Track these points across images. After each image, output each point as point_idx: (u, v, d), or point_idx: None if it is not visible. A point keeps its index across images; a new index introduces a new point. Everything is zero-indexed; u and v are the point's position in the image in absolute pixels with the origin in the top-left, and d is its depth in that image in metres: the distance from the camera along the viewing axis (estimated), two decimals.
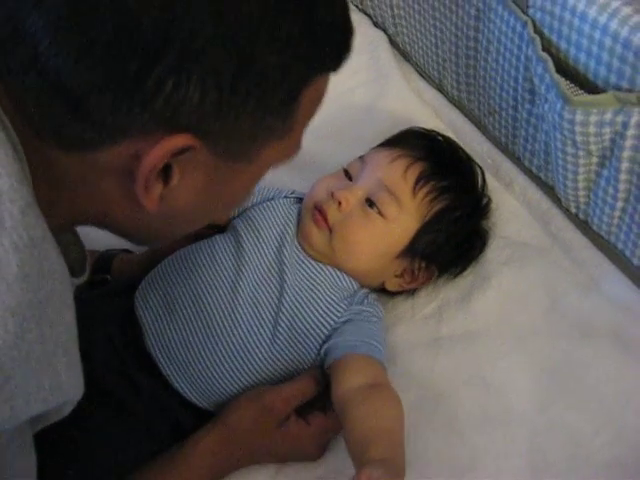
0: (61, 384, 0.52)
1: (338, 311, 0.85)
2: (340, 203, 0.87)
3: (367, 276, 0.90)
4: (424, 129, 0.98)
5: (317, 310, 0.85)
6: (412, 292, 0.95)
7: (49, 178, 0.53)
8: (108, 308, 0.87)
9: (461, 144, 0.99)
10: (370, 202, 0.87)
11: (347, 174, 0.92)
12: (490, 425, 0.81)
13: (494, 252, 0.95)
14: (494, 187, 0.99)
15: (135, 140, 0.51)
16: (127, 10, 0.47)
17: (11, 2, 0.50)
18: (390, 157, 0.90)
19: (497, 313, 0.90)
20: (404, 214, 0.88)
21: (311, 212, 0.89)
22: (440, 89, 1.11)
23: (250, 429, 0.80)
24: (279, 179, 1.05)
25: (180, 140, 0.51)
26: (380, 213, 0.87)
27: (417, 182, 0.88)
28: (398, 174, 0.89)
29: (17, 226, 0.48)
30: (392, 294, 0.94)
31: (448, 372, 0.87)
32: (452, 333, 0.90)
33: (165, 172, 0.53)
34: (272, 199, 0.96)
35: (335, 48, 0.57)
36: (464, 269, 0.94)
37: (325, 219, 0.87)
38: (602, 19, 0.68)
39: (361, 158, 0.93)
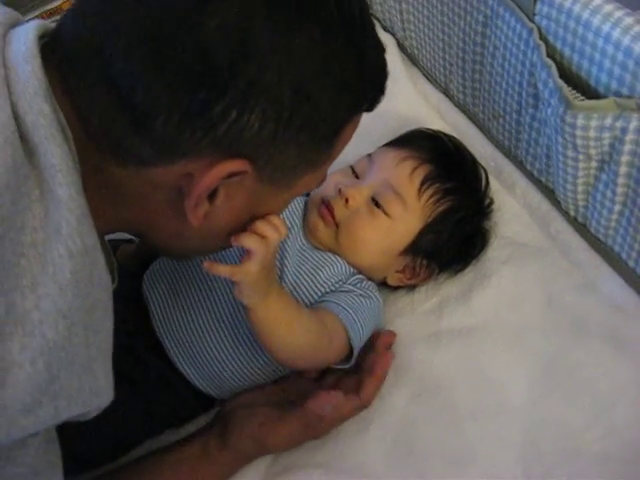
0: (99, 389, 0.55)
1: (330, 288, 0.88)
2: (347, 200, 0.89)
3: (370, 271, 0.92)
4: (431, 130, 1.01)
5: (316, 294, 0.87)
6: (413, 287, 0.97)
7: (101, 187, 0.55)
8: (118, 288, 0.89)
9: (463, 145, 1.01)
10: (376, 201, 0.89)
11: (354, 172, 0.94)
12: (486, 417, 0.84)
13: (495, 251, 0.97)
14: (496, 189, 1.02)
15: (191, 161, 0.54)
16: (204, 40, 0.50)
17: (94, 20, 0.53)
18: (397, 158, 0.92)
19: (496, 310, 0.92)
20: (409, 214, 0.90)
21: (318, 206, 0.91)
22: (446, 93, 1.13)
23: (257, 453, 0.82)
24: None
25: (236, 165, 0.55)
26: (385, 212, 0.89)
27: (423, 184, 0.91)
28: (405, 175, 0.91)
29: (73, 234, 0.50)
30: (393, 288, 0.97)
31: (447, 366, 0.89)
32: (452, 328, 0.92)
33: (211, 193, 0.56)
34: None
35: (376, 89, 0.62)
36: (465, 267, 0.97)
37: (332, 215, 0.89)
38: (605, 27, 0.70)
39: (369, 156, 0.95)
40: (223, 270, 0.69)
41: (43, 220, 0.50)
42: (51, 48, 0.55)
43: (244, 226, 0.65)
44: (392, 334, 0.91)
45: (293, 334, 0.77)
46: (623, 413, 0.80)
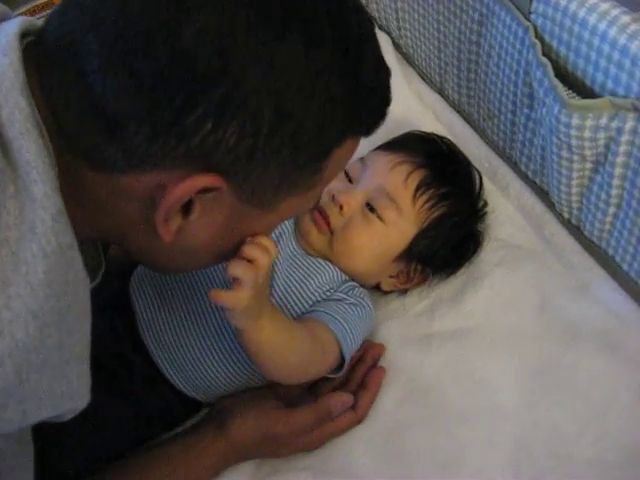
0: (72, 392, 0.53)
1: (321, 297, 0.86)
2: (341, 207, 0.88)
3: (363, 276, 0.91)
4: (424, 133, 1.00)
5: (307, 302, 0.86)
6: (405, 290, 0.96)
7: (75, 194, 0.54)
8: (108, 290, 0.87)
9: (459, 147, 1.00)
10: (370, 207, 0.88)
11: (347, 176, 0.92)
12: (477, 421, 0.83)
13: (488, 253, 0.96)
14: (490, 190, 1.01)
15: (163, 172, 0.52)
16: (181, 47, 0.48)
17: (71, 16, 0.51)
18: (391, 163, 0.91)
19: (488, 313, 0.91)
20: (403, 220, 0.89)
21: (310, 212, 0.89)
22: (441, 92, 1.12)
23: (255, 446, 0.81)
24: None
25: (209, 180, 0.52)
26: (380, 218, 0.88)
27: (417, 190, 0.90)
28: (399, 181, 0.90)
29: (47, 232, 0.49)
30: (386, 291, 0.96)
31: (437, 368, 0.88)
32: (443, 330, 0.91)
33: (186, 206, 0.54)
34: None
35: (373, 113, 0.59)
36: (457, 270, 0.96)
37: (327, 222, 0.88)
38: (602, 26, 0.69)
39: (361, 160, 0.94)
40: (215, 297, 0.67)
41: (18, 217, 0.48)
42: (34, 45, 0.53)
43: (232, 246, 0.63)
44: (381, 347, 0.90)
45: (286, 353, 0.75)
46: (616, 418, 0.80)
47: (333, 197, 0.88)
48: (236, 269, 0.64)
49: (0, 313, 0.47)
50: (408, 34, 1.13)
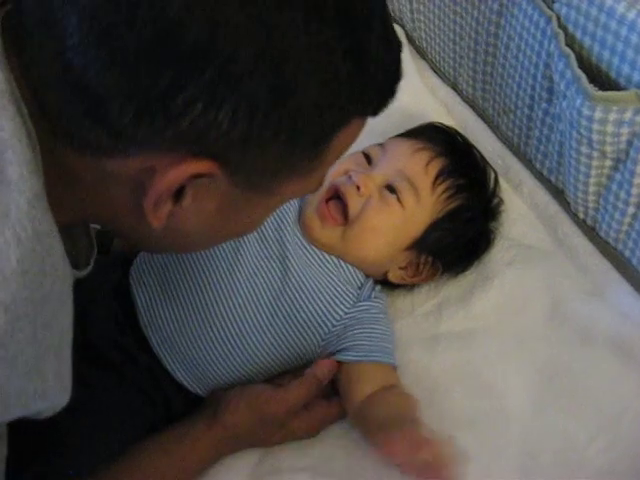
0: (47, 390, 0.50)
1: (345, 305, 0.84)
2: (359, 188, 0.85)
3: (373, 265, 0.88)
4: (445, 125, 0.98)
5: (321, 301, 0.83)
6: (412, 287, 0.94)
7: (60, 173, 0.51)
8: (110, 280, 0.85)
9: (472, 143, 0.98)
10: (391, 188, 0.86)
11: (366, 158, 0.90)
12: (483, 425, 0.80)
13: (498, 253, 0.94)
14: (503, 188, 0.98)
15: (153, 155, 0.49)
16: (168, 20, 0.44)
17: None
18: (412, 148, 0.89)
19: (497, 313, 0.89)
20: (420, 207, 0.87)
21: (324, 197, 0.87)
22: (454, 87, 1.10)
23: (249, 432, 0.79)
24: None
25: (200, 166, 0.49)
26: (399, 200, 0.86)
27: (438, 177, 0.88)
28: (420, 166, 0.88)
29: (22, 218, 0.46)
30: (393, 287, 0.93)
31: (444, 369, 0.86)
32: (451, 331, 0.89)
33: (178, 191, 0.51)
34: None
35: (381, 92, 0.54)
36: (467, 268, 0.93)
37: (342, 211, 0.86)
38: (630, 15, 0.66)
39: (381, 145, 0.92)
40: None
41: None
42: (12, 17, 0.50)
43: (230, 229, 0.60)
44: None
45: None
46: (628, 426, 0.77)
47: (350, 177, 0.86)
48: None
49: None
50: (422, 26, 1.10)
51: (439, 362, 0.86)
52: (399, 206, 0.86)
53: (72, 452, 0.75)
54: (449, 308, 0.91)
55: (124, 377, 0.80)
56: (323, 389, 0.82)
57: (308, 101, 0.48)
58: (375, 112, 0.55)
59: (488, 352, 0.86)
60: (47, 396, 0.50)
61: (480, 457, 0.77)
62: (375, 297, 0.87)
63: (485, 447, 0.78)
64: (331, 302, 0.84)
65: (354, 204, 0.85)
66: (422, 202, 0.87)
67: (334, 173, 0.88)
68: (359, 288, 0.86)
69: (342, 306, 0.84)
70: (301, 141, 0.50)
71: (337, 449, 0.81)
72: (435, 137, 0.92)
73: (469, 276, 0.93)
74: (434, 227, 0.88)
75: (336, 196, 0.87)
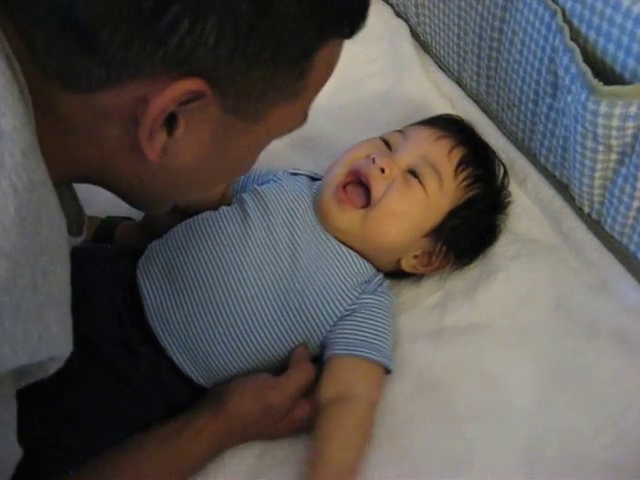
0: (50, 337, 0.50)
1: (350, 298, 0.84)
2: (383, 170, 0.85)
3: (389, 252, 0.88)
4: (460, 117, 0.98)
5: (329, 295, 0.83)
6: (419, 278, 0.93)
7: (52, 122, 0.51)
8: (112, 273, 0.85)
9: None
10: (414, 173, 0.86)
11: (387, 144, 0.90)
12: (488, 419, 0.80)
13: (503, 247, 0.94)
14: None
15: (144, 82, 0.49)
16: None
17: None
18: (434, 135, 0.90)
19: (502, 307, 0.89)
20: (443, 193, 0.87)
21: (342, 181, 0.87)
22: (458, 82, 1.10)
23: (254, 422, 0.78)
24: (291, 160, 1.04)
25: (191, 84, 0.50)
26: (422, 184, 0.86)
27: (460, 164, 0.88)
28: (443, 153, 0.88)
29: (17, 168, 0.46)
30: (399, 277, 0.93)
31: (448, 363, 0.85)
32: (455, 324, 0.89)
33: (170, 123, 0.52)
34: (281, 178, 0.94)
35: (352, 13, 0.56)
36: (472, 261, 0.93)
37: (366, 197, 0.86)
38: (636, 8, 0.66)
39: (400, 132, 0.92)
40: None
41: None
42: None
43: (221, 169, 0.61)
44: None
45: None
46: (633, 420, 0.77)
47: (374, 160, 0.86)
48: None
49: None
50: (427, 21, 1.10)
51: (443, 355, 0.86)
52: (422, 191, 0.86)
53: (68, 453, 0.75)
54: (454, 301, 0.91)
55: (124, 370, 0.79)
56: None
57: (287, 15, 0.49)
58: (349, 34, 0.56)
59: (493, 346, 0.86)
60: (51, 343, 0.51)
61: (484, 451, 0.78)
62: (381, 292, 0.87)
63: (490, 441, 0.78)
64: (337, 296, 0.83)
65: (377, 187, 0.85)
66: (444, 188, 0.87)
67: (352, 157, 0.88)
68: (366, 282, 0.86)
69: (347, 299, 0.84)
70: (283, 57, 0.52)
71: None
72: (452, 127, 0.92)
73: (474, 270, 0.93)
74: (453, 214, 0.88)
75: (354, 181, 0.87)
